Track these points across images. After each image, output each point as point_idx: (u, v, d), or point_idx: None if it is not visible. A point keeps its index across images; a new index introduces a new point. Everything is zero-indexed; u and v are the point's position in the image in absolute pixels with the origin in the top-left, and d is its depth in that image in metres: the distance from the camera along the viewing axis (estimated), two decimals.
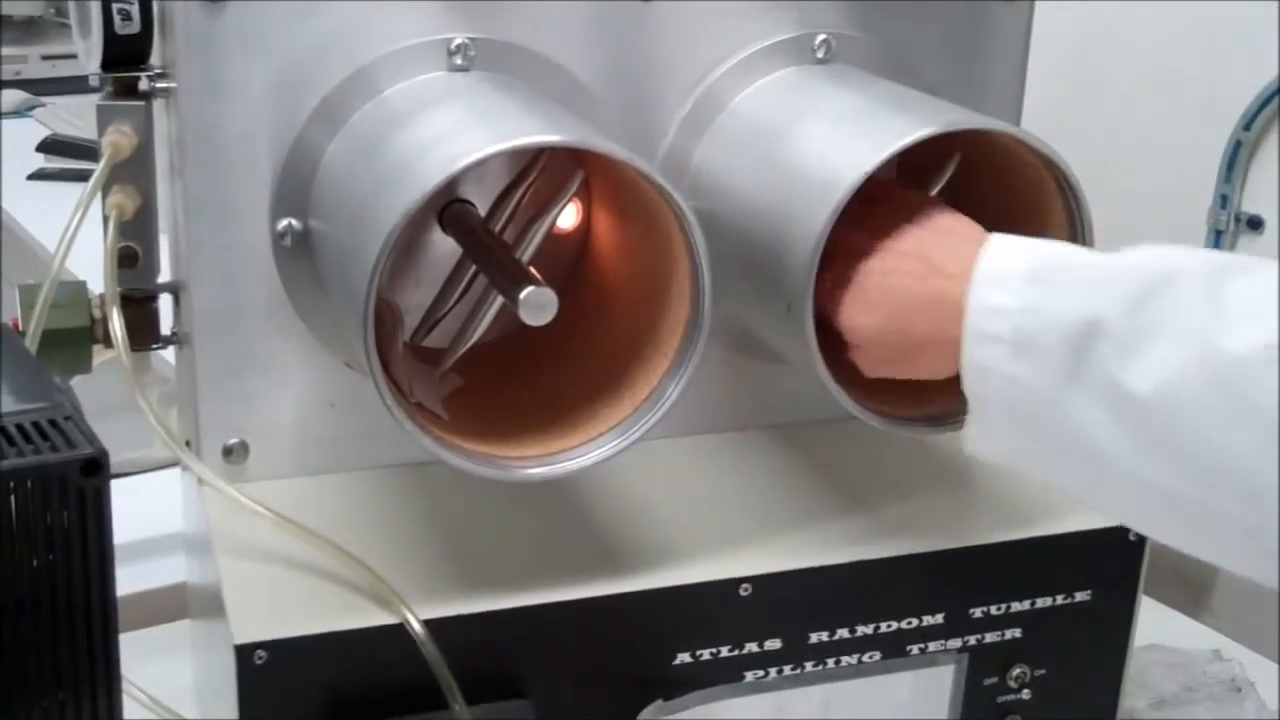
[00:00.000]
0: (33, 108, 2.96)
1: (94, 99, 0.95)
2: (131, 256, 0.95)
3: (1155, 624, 1.29)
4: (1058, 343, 0.73)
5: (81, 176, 2.42)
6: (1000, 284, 0.76)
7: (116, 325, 0.91)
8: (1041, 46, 1.03)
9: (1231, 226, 1.26)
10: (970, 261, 0.77)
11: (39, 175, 2.54)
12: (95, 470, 0.66)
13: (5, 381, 0.73)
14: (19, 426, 0.68)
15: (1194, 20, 1.38)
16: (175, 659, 1.10)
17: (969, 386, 0.77)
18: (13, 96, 3.01)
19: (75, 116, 2.75)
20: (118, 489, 0.70)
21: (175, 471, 1.09)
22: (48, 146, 2.59)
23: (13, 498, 0.66)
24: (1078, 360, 0.72)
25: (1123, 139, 1.29)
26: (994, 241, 0.78)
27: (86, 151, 2.47)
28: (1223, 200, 1.25)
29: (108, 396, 0.95)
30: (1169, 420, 0.70)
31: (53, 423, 0.68)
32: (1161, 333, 0.71)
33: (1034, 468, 0.79)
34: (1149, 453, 0.71)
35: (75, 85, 3.04)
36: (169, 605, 1.19)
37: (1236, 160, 1.24)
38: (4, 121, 2.98)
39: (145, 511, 1.14)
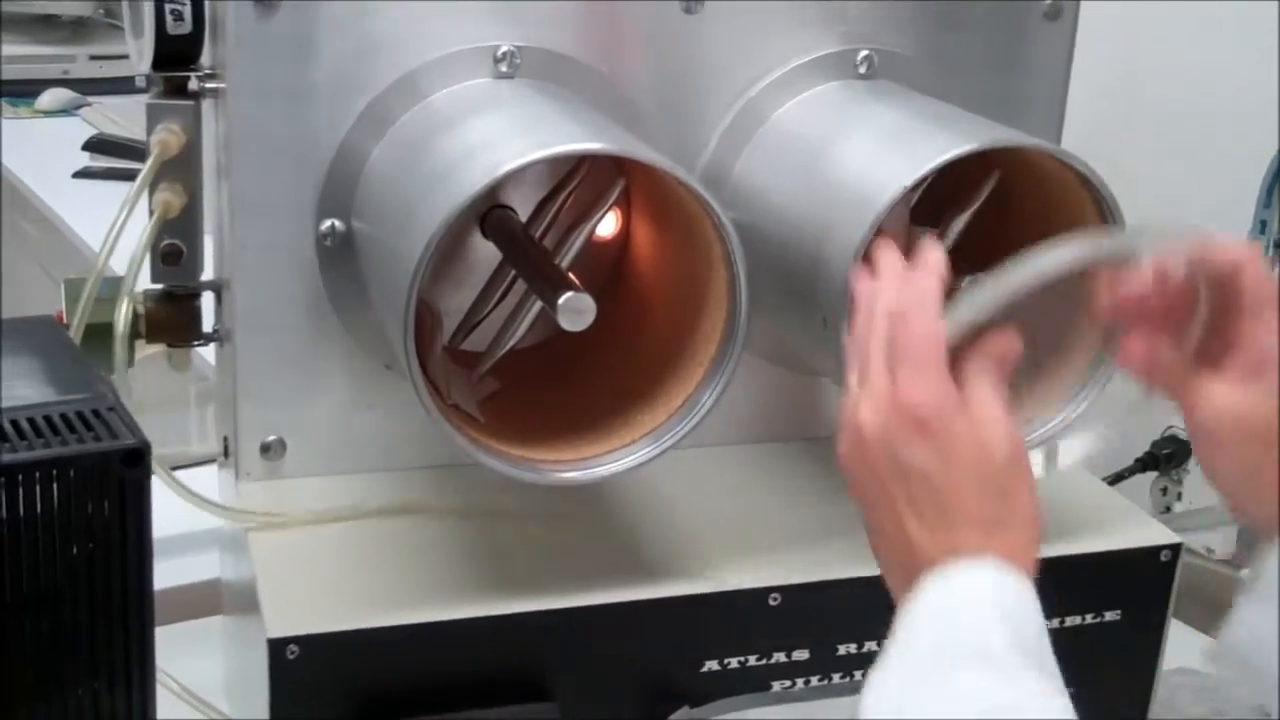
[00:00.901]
0: (79, 107, 2.99)
1: (140, 99, 0.97)
2: (176, 254, 0.96)
3: (1184, 648, 1.28)
4: None
5: (126, 175, 2.46)
6: None
7: (121, 315, 0.92)
8: (1083, 67, 1.04)
9: (1270, 252, 1.26)
10: None
11: (84, 174, 2.57)
12: (137, 461, 0.67)
13: (50, 372, 0.74)
14: (62, 416, 0.69)
15: (1237, 43, 1.38)
16: (207, 654, 1.11)
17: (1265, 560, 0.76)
18: (60, 96, 3.04)
19: (121, 116, 2.78)
20: (155, 485, 0.71)
21: (212, 468, 1.10)
22: (93, 145, 2.61)
23: (55, 486, 0.67)
24: None
25: (1161, 162, 1.29)
26: None
27: (132, 151, 2.49)
28: (1261, 226, 1.25)
29: (147, 393, 0.96)
30: None
31: (95, 413, 0.69)
32: None
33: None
34: None
35: (122, 86, 3.08)
36: (202, 601, 1.20)
37: (1275, 186, 1.24)
38: (51, 120, 3.02)
39: (181, 507, 1.15)
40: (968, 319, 0.72)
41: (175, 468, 1.20)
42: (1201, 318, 0.78)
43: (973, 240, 0.90)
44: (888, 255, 0.75)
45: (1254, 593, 0.76)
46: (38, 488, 0.66)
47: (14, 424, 0.68)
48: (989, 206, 0.90)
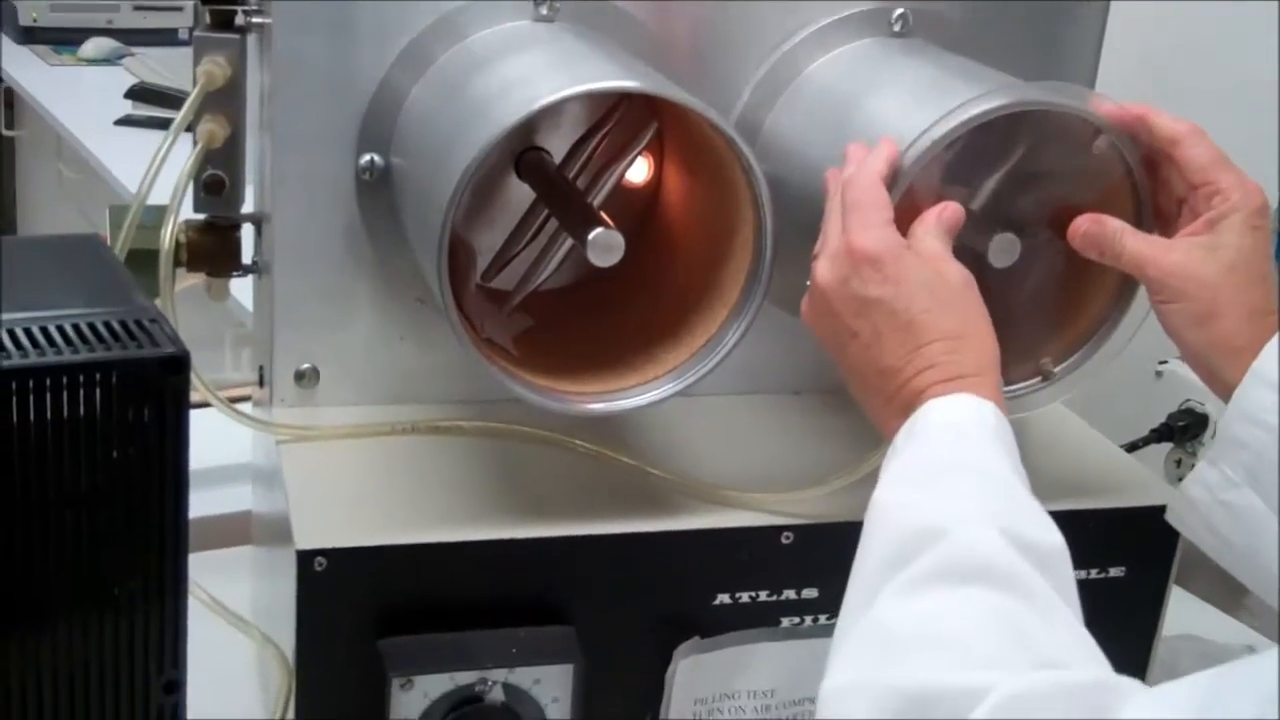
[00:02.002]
0: (122, 57, 3.03)
1: (182, 51, 0.99)
2: (218, 184, 0.98)
3: (1192, 617, 1.30)
4: None
5: (168, 124, 2.49)
6: None
7: (168, 234, 0.95)
8: (1112, 49, 1.05)
9: None
10: None
11: (126, 121, 2.61)
12: (177, 368, 0.70)
13: (95, 285, 0.77)
14: (106, 324, 0.71)
15: (1263, 27, 1.39)
16: (237, 579, 1.14)
17: (1226, 426, 0.81)
18: (103, 45, 3.08)
19: (163, 67, 2.82)
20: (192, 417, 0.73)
21: (247, 406, 1.12)
22: (135, 94, 2.65)
23: (97, 390, 0.69)
24: None
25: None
26: None
27: (173, 100, 2.53)
28: None
29: (185, 330, 0.99)
30: None
31: (138, 323, 0.72)
32: None
33: (1237, 528, 0.82)
34: None
35: (165, 37, 3.13)
36: (232, 531, 1.23)
37: None
38: (94, 69, 3.06)
39: (215, 442, 1.18)
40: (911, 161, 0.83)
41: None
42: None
43: (1007, 200, 0.92)
44: (851, 146, 0.84)
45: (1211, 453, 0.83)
46: (81, 391, 0.69)
47: (59, 329, 0.70)
48: (1024, 167, 0.91)
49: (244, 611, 1.15)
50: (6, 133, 3.22)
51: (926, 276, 0.78)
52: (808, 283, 0.82)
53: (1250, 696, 0.55)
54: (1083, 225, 0.86)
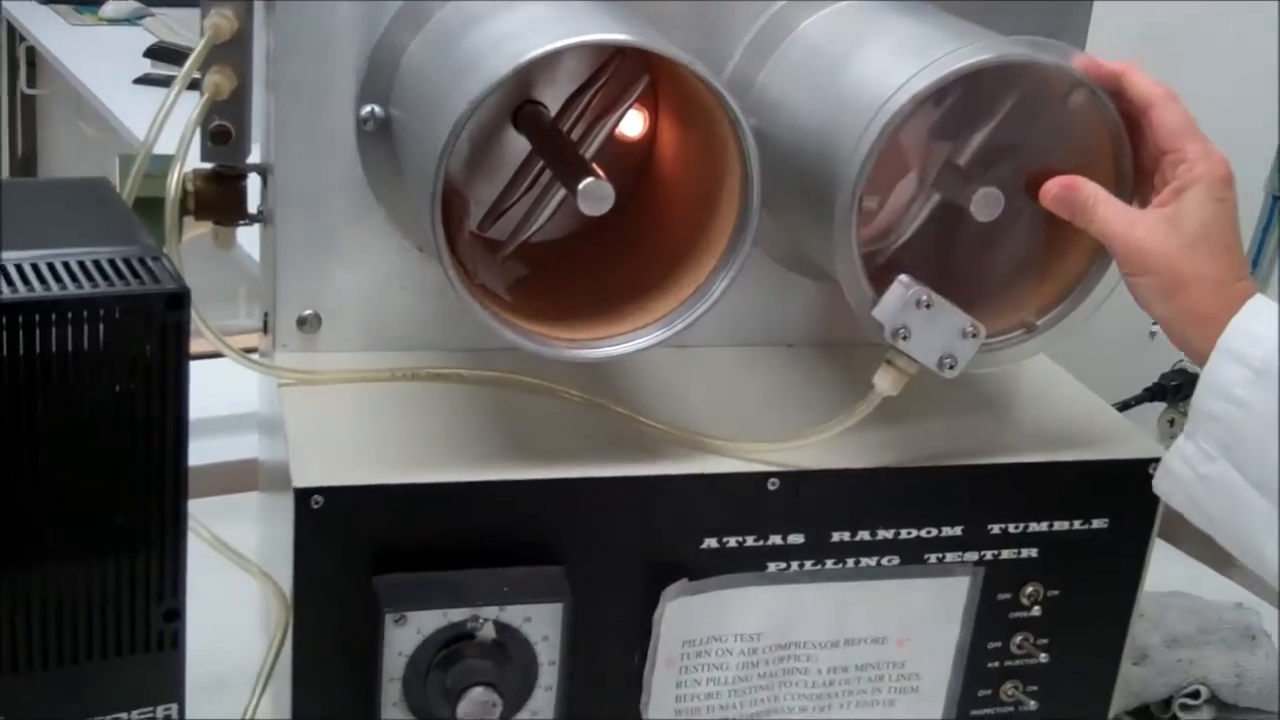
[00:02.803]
0: (142, 17, 3.06)
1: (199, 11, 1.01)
2: (225, 134, 1.01)
3: (1183, 575, 1.32)
4: None
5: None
6: (1266, 316, 0.82)
7: (173, 180, 0.97)
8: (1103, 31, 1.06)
9: None
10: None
11: (145, 80, 2.64)
12: (178, 304, 0.72)
13: (102, 225, 0.80)
14: (111, 262, 0.74)
15: (1257, 12, 1.39)
16: (242, 524, 1.17)
17: (1197, 400, 0.83)
18: (123, 5, 3.11)
19: (182, 27, 2.85)
20: (196, 370, 0.76)
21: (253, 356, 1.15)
22: (154, 53, 2.68)
23: (101, 325, 0.72)
24: None
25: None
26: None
27: None
28: (1274, 201, 1.28)
29: (196, 280, 1.01)
30: None
31: (142, 260, 0.74)
32: None
33: (1220, 503, 0.84)
34: None
35: None
36: (239, 477, 1.26)
37: None
38: (114, 28, 3.08)
39: (224, 391, 1.21)
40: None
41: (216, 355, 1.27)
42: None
43: (992, 155, 0.93)
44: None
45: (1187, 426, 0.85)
46: (85, 326, 0.71)
47: (65, 265, 0.72)
48: (1009, 123, 0.93)
49: (249, 555, 1.18)
50: (28, 90, 3.26)
51: None
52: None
53: None
54: (1054, 188, 0.88)
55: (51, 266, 0.72)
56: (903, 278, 0.88)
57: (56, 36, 3.01)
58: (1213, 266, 0.84)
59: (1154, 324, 1.37)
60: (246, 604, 1.13)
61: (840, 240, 0.88)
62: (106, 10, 3.08)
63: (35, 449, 0.72)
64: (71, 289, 0.71)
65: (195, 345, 0.77)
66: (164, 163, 1.02)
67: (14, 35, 3.22)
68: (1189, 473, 0.84)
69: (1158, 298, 0.85)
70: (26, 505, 0.73)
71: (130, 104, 2.53)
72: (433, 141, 0.83)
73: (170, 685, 0.80)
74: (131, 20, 3.06)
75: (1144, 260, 0.85)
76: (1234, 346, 0.81)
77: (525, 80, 0.94)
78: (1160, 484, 0.88)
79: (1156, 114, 0.87)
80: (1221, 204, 0.85)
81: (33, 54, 3.17)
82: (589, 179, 0.82)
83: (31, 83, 3.23)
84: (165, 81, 2.58)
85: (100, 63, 2.80)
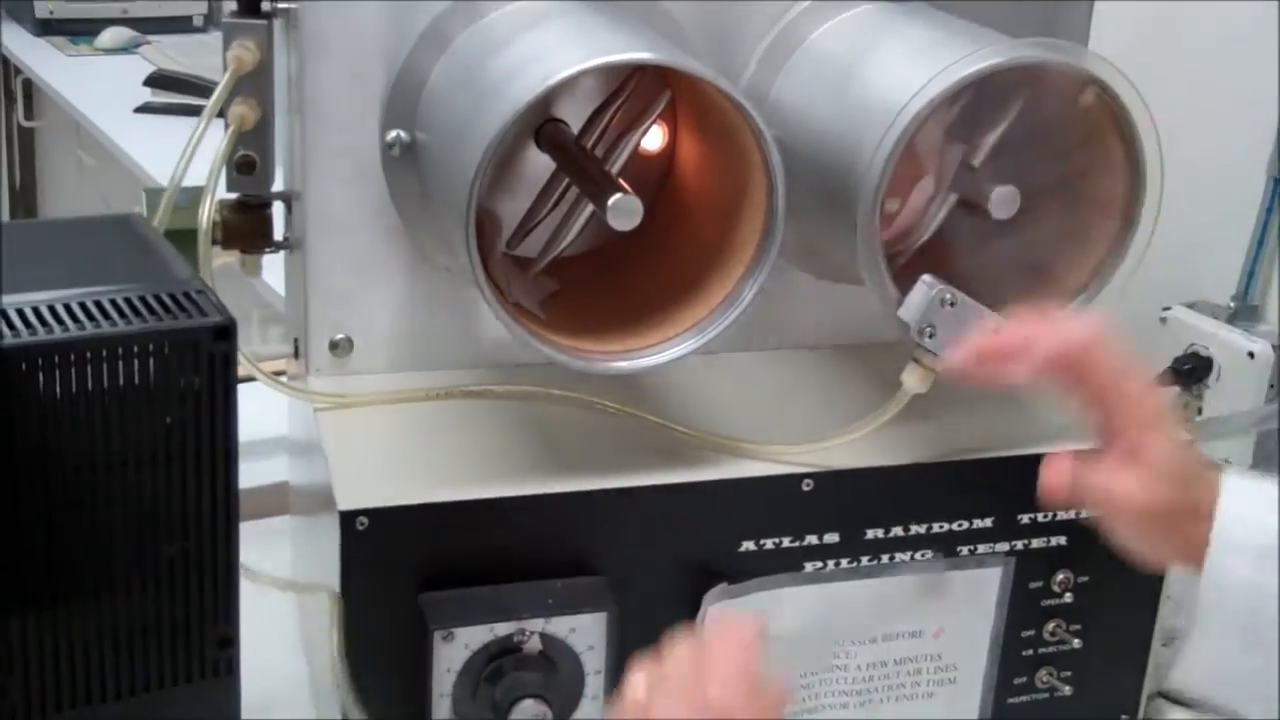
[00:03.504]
0: (139, 45, 3.07)
1: (197, 39, 1.03)
2: (250, 164, 1.02)
3: None
4: None
5: (187, 110, 2.54)
6: (1251, 496, 0.80)
7: (206, 212, 0.99)
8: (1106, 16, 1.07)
9: None
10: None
11: (145, 109, 2.65)
12: (225, 336, 0.74)
13: (142, 261, 0.81)
14: (156, 297, 0.75)
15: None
16: (274, 548, 1.19)
17: (1205, 593, 0.80)
18: (120, 34, 3.12)
19: (180, 54, 2.86)
20: None
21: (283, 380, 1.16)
22: (155, 81, 2.68)
23: (151, 359, 0.73)
24: None
25: (1183, 84, 1.33)
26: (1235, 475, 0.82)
27: (192, 86, 2.57)
28: (1275, 184, 1.30)
29: None
30: None
31: (186, 295, 0.76)
32: None
33: (1249, 691, 0.80)
34: None
35: (179, 25, 3.16)
36: (266, 503, 1.27)
37: None
38: (111, 58, 3.10)
39: (246, 417, 1.22)
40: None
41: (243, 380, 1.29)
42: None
43: (1007, 155, 0.95)
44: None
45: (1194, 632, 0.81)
46: (135, 361, 0.73)
47: (113, 303, 0.74)
48: (1023, 124, 0.94)
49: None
50: (26, 123, 3.27)
51: None
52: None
53: None
54: (1056, 476, 0.86)
55: (99, 304, 0.74)
56: (926, 277, 0.90)
57: (53, 68, 3.02)
58: (1193, 492, 0.81)
59: (1165, 309, 1.39)
60: (284, 628, 1.15)
61: (865, 243, 0.89)
62: (103, 40, 3.09)
63: (90, 484, 0.74)
64: (121, 325, 0.73)
65: None
66: (186, 194, 1.04)
67: (9, 68, 3.23)
68: (1211, 669, 0.81)
69: (1157, 550, 0.84)
70: (85, 540, 0.74)
71: (131, 133, 2.54)
72: (464, 163, 0.84)
73: (225, 712, 0.81)
74: (128, 49, 3.07)
75: (1139, 515, 0.83)
76: (1225, 531, 0.79)
77: (546, 98, 0.95)
78: (1179, 683, 0.84)
79: (1093, 356, 0.84)
80: (1172, 439, 0.83)
81: (29, 86, 3.18)
82: (618, 195, 0.84)
83: (29, 115, 3.24)
84: (166, 109, 2.60)
85: (99, 93, 2.81)
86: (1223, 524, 0.79)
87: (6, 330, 0.71)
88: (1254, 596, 0.78)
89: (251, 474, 1.30)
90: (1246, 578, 0.78)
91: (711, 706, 0.72)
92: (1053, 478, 0.87)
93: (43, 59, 3.08)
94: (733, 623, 0.78)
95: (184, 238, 1.04)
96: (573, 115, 0.98)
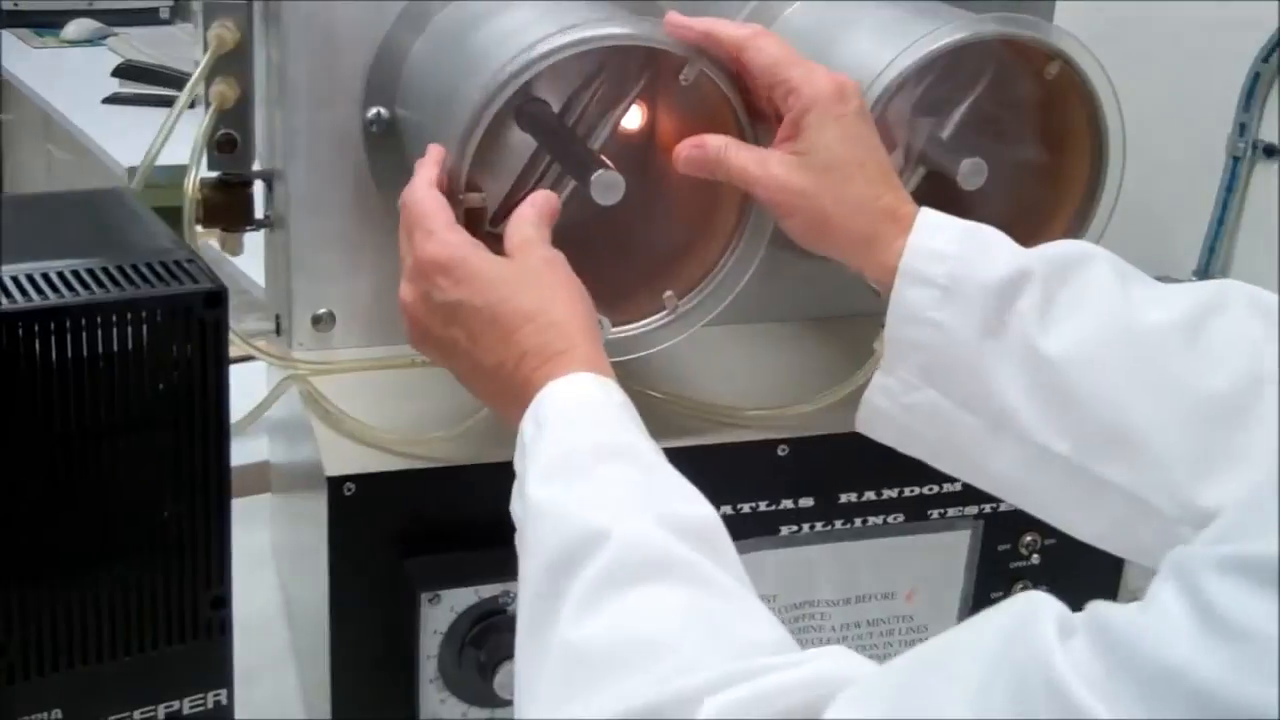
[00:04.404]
0: (104, 37, 3.06)
1: (164, 30, 1.04)
2: (230, 143, 1.04)
3: None
4: (984, 294, 0.77)
5: (156, 101, 2.54)
6: (940, 231, 0.80)
7: (191, 184, 1.00)
8: None
9: (1249, 154, 1.34)
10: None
11: (114, 100, 2.65)
12: (216, 302, 0.76)
13: (132, 232, 0.83)
14: (148, 265, 0.77)
15: None
16: (251, 528, 1.20)
17: (890, 330, 0.80)
18: (85, 25, 3.11)
19: (147, 45, 2.86)
20: None
21: (258, 365, 1.17)
22: (123, 72, 2.68)
23: (144, 326, 0.75)
24: (1000, 315, 0.77)
25: (1146, 66, 1.36)
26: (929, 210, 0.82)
27: (161, 77, 2.57)
28: (1241, 129, 1.33)
29: None
30: (1076, 382, 0.75)
31: (177, 263, 0.77)
32: (1079, 300, 0.76)
33: (927, 427, 0.81)
34: (1050, 413, 0.76)
35: (145, 17, 3.16)
36: (251, 481, 1.29)
37: (1255, 91, 1.32)
38: (77, 49, 3.09)
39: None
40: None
41: None
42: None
43: (975, 126, 0.97)
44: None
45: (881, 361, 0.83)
46: (129, 327, 0.75)
47: (105, 270, 0.76)
48: (990, 97, 0.97)
49: (264, 556, 1.22)
50: None
51: (499, 268, 0.78)
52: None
53: (952, 686, 0.51)
54: (684, 150, 0.88)
55: (92, 272, 0.76)
56: None
57: (19, 60, 3.01)
58: (853, 188, 0.81)
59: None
60: (266, 601, 1.16)
61: None
62: (68, 32, 3.09)
63: (87, 448, 0.75)
64: (114, 292, 0.74)
65: None
66: (165, 173, 1.05)
67: None
68: (893, 405, 0.82)
69: (810, 235, 0.83)
70: (80, 503, 0.76)
71: (102, 124, 2.54)
72: (444, 139, 0.86)
73: (219, 672, 0.83)
74: (94, 41, 3.06)
75: (785, 200, 0.83)
76: (915, 268, 0.79)
77: (527, 78, 0.97)
78: (864, 421, 0.85)
79: (748, 55, 0.85)
80: (841, 120, 0.82)
81: None
82: (601, 170, 0.86)
83: None
84: (135, 100, 2.60)
85: (66, 85, 2.81)
86: (911, 257, 0.79)
87: (2, 297, 0.72)
88: (937, 334, 0.78)
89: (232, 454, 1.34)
90: (931, 316, 0.78)
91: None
92: (686, 149, 0.88)
93: (8, 51, 3.07)
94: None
95: (164, 216, 1.05)
96: (554, 95, 1.00)
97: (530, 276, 0.78)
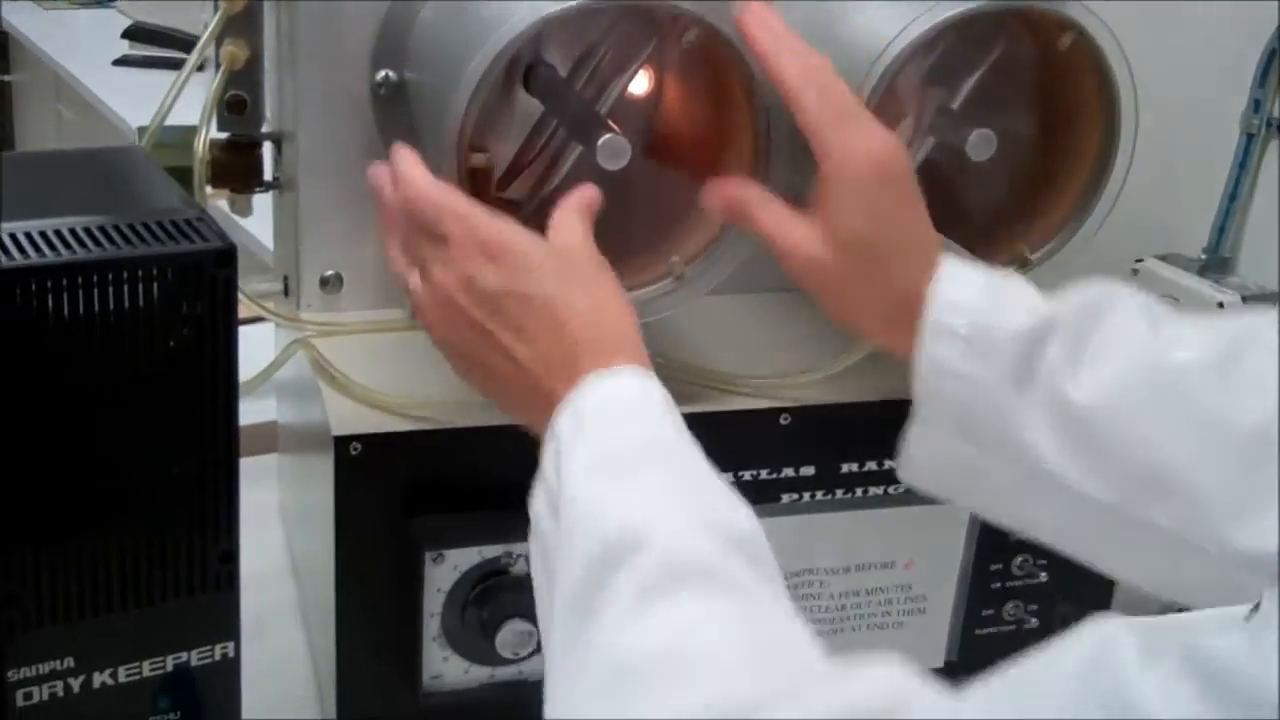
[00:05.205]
0: None
1: None
2: (240, 103, 1.04)
3: None
4: (1011, 344, 0.77)
5: (167, 63, 2.54)
6: (964, 282, 0.79)
7: (201, 142, 1.01)
8: None
9: (1263, 131, 1.34)
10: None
11: (124, 61, 2.65)
12: (226, 261, 0.76)
13: (142, 190, 0.83)
14: (158, 223, 0.77)
15: None
16: (259, 487, 1.21)
17: (920, 384, 0.80)
18: None
19: (155, 7, 2.86)
20: None
21: (267, 326, 1.18)
22: (133, 34, 2.69)
23: (155, 284, 0.76)
24: (1028, 364, 0.77)
25: (1160, 40, 1.35)
26: (952, 257, 0.81)
27: (170, 39, 2.57)
28: (1256, 105, 1.33)
29: None
30: (1110, 429, 0.74)
31: (188, 222, 0.78)
32: (1106, 345, 0.76)
33: (965, 479, 0.81)
34: (1087, 461, 0.75)
35: None
36: (252, 441, 1.30)
37: (1271, 67, 1.31)
38: (87, 11, 3.09)
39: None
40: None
41: None
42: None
43: (985, 98, 0.97)
44: (372, 170, 0.85)
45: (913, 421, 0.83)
46: (140, 285, 0.75)
47: (115, 228, 0.76)
48: (1001, 69, 0.97)
49: (272, 514, 1.23)
50: (3, 78, 3.27)
51: (553, 260, 0.77)
52: (420, 302, 0.81)
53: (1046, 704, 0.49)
54: (711, 196, 0.87)
55: (103, 229, 0.76)
56: None
57: (29, 22, 3.02)
58: (877, 271, 0.81)
59: (1138, 260, 1.43)
60: (275, 558, 1.18)
61: None
62: None
63: (96, 405, 0.76)
64: (124, 249, 0.75)
65: None
66: (174, 133, 1.06)
67: None
68: (930, 457, 0.82)
69: (827, 298, 0.83)
70: (91, 458, 0.77)
71: (111, 85, 2.54)
72: (452, 101, 0.86)
73: (226, 625, 0.84)
74: (103, 3, 3.07)
75: (802, 267, 0.82)
76: (940, 322, 0.78)
77: (535, 41, 0.98)
78: (905, 474, 0.85)
79: (802, 99, 0.81)
80: (868, 196, 0.80)
81: (6, 39, 3.18)
82: (607, 135, 0.86)
83: (6, 69, 3.24)
84: (144, 62, 2.60)
85: (76, 46, 2.81)
86: (935, 311, 0.78)
87: (14, 252, 0.73)
88: (966, 388, 0.78)
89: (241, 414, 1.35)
90: (959, 369, 0.78)
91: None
92: (713, 195, 0.86)
93: (18, 12, 3.08)
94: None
95: (173, 177, 1.06)
96: (561, 60, 1.00)
97: (585, 274, 0.77)
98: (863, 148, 0.80)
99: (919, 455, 0.83)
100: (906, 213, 0.81)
